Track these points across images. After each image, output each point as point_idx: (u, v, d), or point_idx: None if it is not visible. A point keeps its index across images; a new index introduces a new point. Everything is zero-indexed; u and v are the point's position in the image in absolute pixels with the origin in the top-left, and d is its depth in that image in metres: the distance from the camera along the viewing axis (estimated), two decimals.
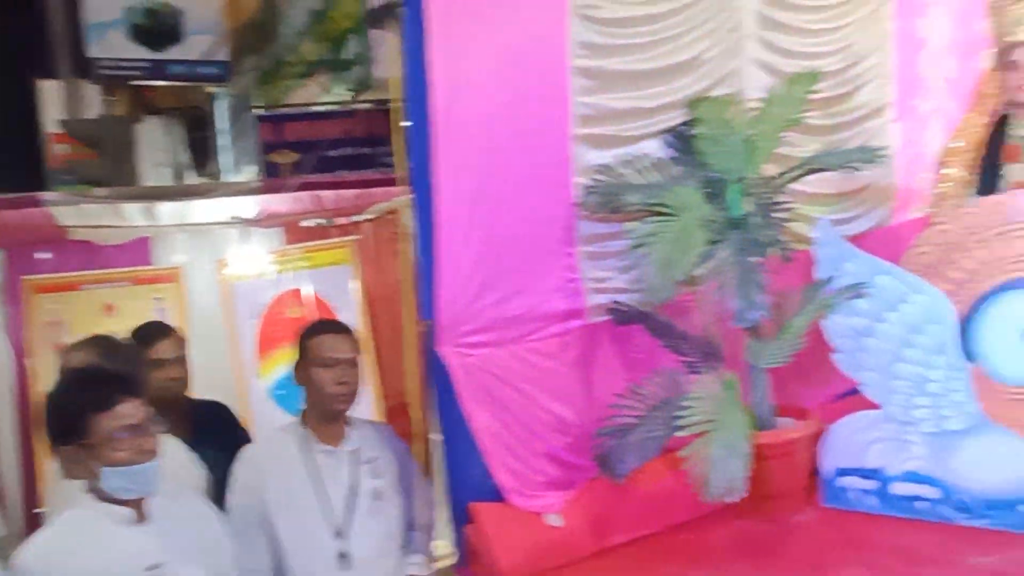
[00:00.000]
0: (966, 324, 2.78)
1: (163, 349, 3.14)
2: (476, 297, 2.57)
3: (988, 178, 3.07)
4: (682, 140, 3.01)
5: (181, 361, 3.20)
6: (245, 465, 2.45)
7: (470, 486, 2.66)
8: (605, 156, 2.87)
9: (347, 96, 6.85)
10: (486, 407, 2.59)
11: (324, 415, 2.46)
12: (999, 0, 3.04)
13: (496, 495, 2.65)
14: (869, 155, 2.96)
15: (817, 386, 3.32)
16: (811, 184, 3.23)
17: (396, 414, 4.17)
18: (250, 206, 4.76)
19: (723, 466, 2.51)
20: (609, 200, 2.83)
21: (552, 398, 2.80)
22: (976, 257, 2.78)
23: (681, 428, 2.60)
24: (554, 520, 2.65)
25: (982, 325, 2.77)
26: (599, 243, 2.90)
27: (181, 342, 3.25)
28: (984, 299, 2.76)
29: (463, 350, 2.57)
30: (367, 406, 4.40)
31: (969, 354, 2.76)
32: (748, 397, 2.94)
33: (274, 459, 2.44)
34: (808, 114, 3.12)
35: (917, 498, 2.85)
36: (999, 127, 3.09)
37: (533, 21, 2.64)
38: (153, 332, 3.23)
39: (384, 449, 2.54)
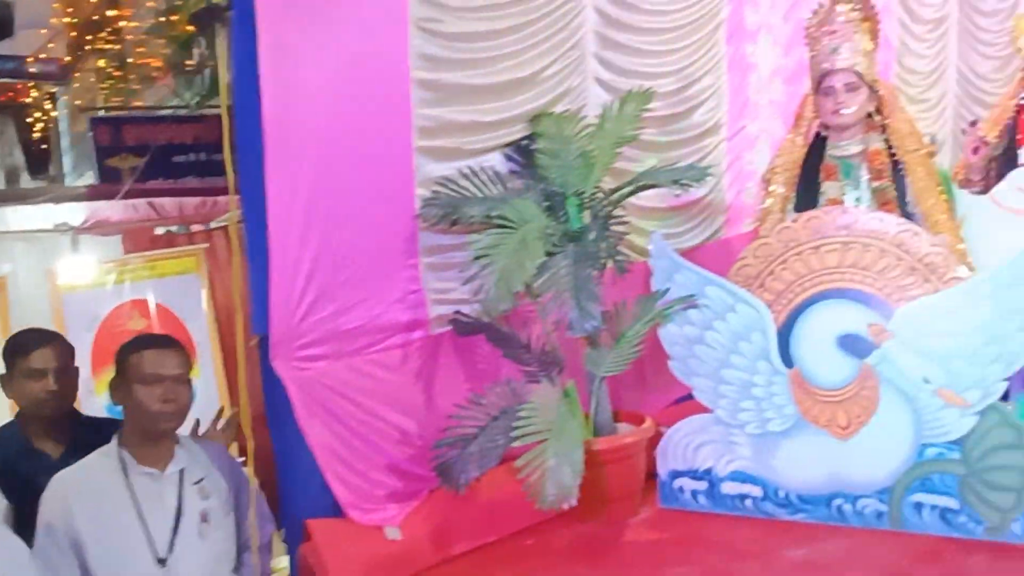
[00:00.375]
0: (785, 332, 2.94)
1: (41, 358, 2.81)
2: (311, 310, 2.53)
3: (808, 195, 3.26)
4: (523, 154, 3.07)
5: (64, 372, 2.82)
6: (51, 494, 2.29)
7: (308, 502, 2.62)
8: (446, 168, 2.89)
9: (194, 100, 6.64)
10: (322, 421, 2.56)
11: (147, 435, 2.35)
12: (815, 30, 3.25)
13: (335, 511, 2.62)
14: (699, 173, 3.10)
15: (657, 392, 3.45)
16: (647, 199, 3.36)
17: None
18: (81, 212, 4.53)
19: (556, 474, 2.56)
20: (450, 212, 2.85)
21: (393, 410, 2.79)
22: (794, 269, 2.95)
23: (519, 438, 2.64)
24: (393, 533, 2.64)
25: (799, 333, 2.94)
26: (441, 254, 2.92)
27: (66, 350, 2.88)
28: (801, 309, 2.94)
29: (298, 364, 2.53)
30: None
31: (788, 360, 2.93)
32: (588, 405, 3.02)
33: (86, 486, 2.30)
34: (645, 131, 3.25)
35: (744, 496, 3.00)
36: (818, 147, 3.29)
37: (372, 32, 2.63)
38: (30, 339, 2.87)
39: (214, 468, 2.46)
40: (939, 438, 2.75)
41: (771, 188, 3.35)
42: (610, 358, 2.99)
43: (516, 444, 2.65)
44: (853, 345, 2.85)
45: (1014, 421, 2.70)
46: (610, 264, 2.99)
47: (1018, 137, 3.80)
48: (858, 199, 3.24)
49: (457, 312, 2.95)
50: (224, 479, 2.46)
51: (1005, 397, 2.75)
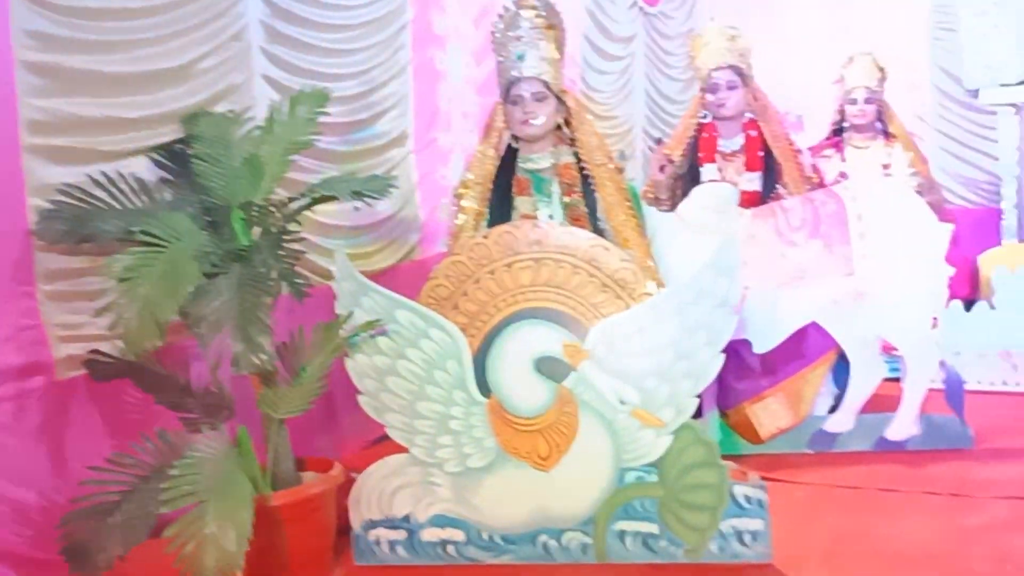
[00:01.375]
0: (481, 358, 2.71)
1: None
2: None
3: (502, 210, 3.09)
4: (175, 159, 2.60)
5: None
6: None
7: None
8: (72, 173, 2.35)
9: None
10: None
11: None
12: (502, 36, 3.08)
13: None
14: (382, 183, 2.80)
15: (349, 433, 3.09)
16: (330, 215, 3.00)
17: None
18: None
19: (217, 542, 2.12)
20: (78, 227, 2.32)
21: (5, 480, 2.20)
22: (487, 289, 2.73)
23: (168, 502, 2.16)
24: None
25: (495, 358, 2.72)
26: (67, 281, 2.38)
27: None
28: (496, 332, 2.72)
29: None
30: None
31: (485, 388, 2.69)
32: (265, 454, 2.59)
33: None
34: (324, 139, 2.90)
35: (446, 542, 2.72)
36: (509, 160, 3.13)
37: None
38: None
39: None
40: (637, 461, 2.66)
41: (463, 204, 3.12)
42: (289, 397, 2.59)
43: (165, 509, 2.17)
44: (550, 368, 2.68)
45: (705, 438, 2.66)
46: (286, 288, 2.59)
47: (700, 156, 3.88)
48: (551, 214, 3.10)
49: (94, 352, 2.41)
50: None
51: (698, 414, 2.69)
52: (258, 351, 2.37)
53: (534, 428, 2.69)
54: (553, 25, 3.10)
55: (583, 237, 2.71)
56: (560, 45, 3.13)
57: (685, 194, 3.76)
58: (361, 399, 2.76)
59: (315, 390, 2.63)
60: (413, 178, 3.54)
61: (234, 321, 2.38)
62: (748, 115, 3.88)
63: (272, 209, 2.66)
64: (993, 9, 5.50)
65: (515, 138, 3.14)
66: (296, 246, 2.67)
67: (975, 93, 5.64)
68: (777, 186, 3.75)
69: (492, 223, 3.06)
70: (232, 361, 2.36)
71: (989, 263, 4.75)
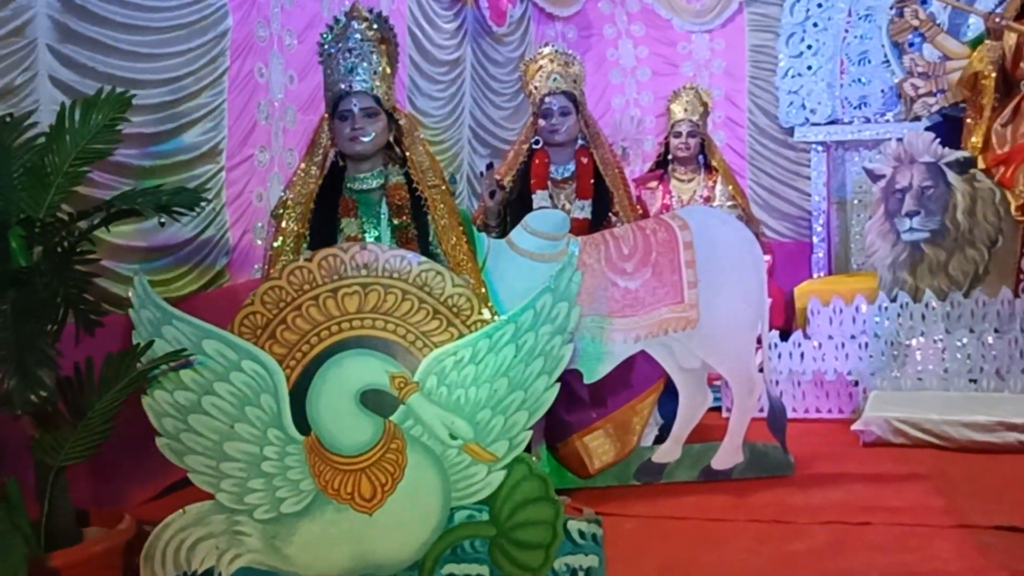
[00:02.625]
0: (301, 392, 2.49)
1: None
2: None
3: (325, 232, 2.88)
4: None
5: None
6: None
7: None
8: None
9: None
10: None
11: None
12: (331, 47, 2.90)
13: None
14: (190, 197, 2.53)
15: (142, 480, 2.77)
16: (127, 235, 2.70)
17: None
18: None
19: None
20: None
21: None
22: (310, 317, 2.52)
23: None
24: None
25: (317, 392, 2.50)
26: None
27: None
28: (318, 363, 2.51)
29: None
30: None
31: (304, 424, 2.47)
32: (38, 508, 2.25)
33: None
34: (123, 150, 2.60)
35: None
36: (334, 179, 2.93)
37: None
38: None
39: None
40: (468, 499, 2.50)
41: (283, 225, 2.89)
42: (71, 442, 2.28)
43: None
44: (376, 401, 2.49)
45: (539, 472, 2.55)
46: (72, 316, 2.28)
47: (532, 182, 3.82)
48: (378, 237, 2.92)
49: None
50: None
51: (527, 448, 2.58)
52: (36, 387, 2.06)
53: (357, 467, 2.48)
54: (386, 39, 2.94)
55: (414, 261, 2.55)
56: (392, 61, 2.98)
57: (516, 220, 3.68)
58: (159, 441, 2.47)
59: (103, 433, 2.33)
60: (224, 196, 3.26)
61: (9, 353, 2.06)
62: (580, 142, 3.86)
63: (58, 226, 2.34)
64: (807, 51, 5.80)
65: (341, 156, 2.95)
66: (86, 268, 2.36)
67: (790, 131, 5.93)
68: (610, 214, 3.74)
69: (314, 246, 2.85)
70: (3, 399, 2.04)
71: (804, 295, 4.95)
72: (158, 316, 2.47)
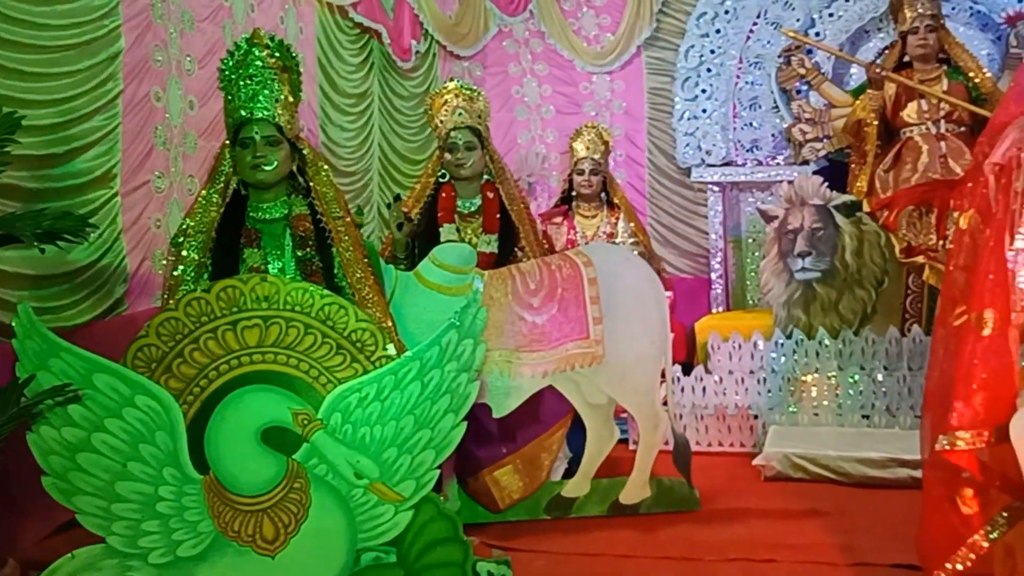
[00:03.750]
0: (198, 429, 2.38)
1: None
2: None
3: (227, 262, 2.78)
4: None
5: None
6: None
7: None
8: None
9: None
10: None
11: None
12: (232, 73, 2.81)
13: None
14: (76, 223, 2.40)
15: (29, 521, 2.59)
16: (11, 261, 2.54)
17: None
18: None
19: None
20: None
21: None
22: (208, 350, 2.42)
23: None
24: None
25: (216, 429, 2.40)
26: None
27: None
28: (216, 398, 2.41)
29: None
30: None
31: (203, 463, 2.36)
32: None
33: None
34: (10, 171, 2.45)
35: None
36: (237, 208, 2.84)
37: None
38: None
39: None
40: (375, 540, 2.45)
41: (183, 253, 2.77)
42: None
43: None
44: (278, 439, 2.41)
45: (448, 512, 2.50)
46: None
47: (439, 215, 3.79)
48: (282, 268, 2.83)
49: None
50: None
51: (437, 487, 2.53)
52: None
53: (259, 507, 2.40)
54: (288, 67, 2.88)
55: (317, 294, 2.48)
56: (295, 89, 2.91)
57: (423, 253, 3.64)
58: (45, 481, 2.33)
59: None
60: (120, 222, 3.11)
61: None
62: (486, 177, 3.86)
63: None
64: (701, 95, 5.98)
65: (244, 184, 2.86)
66: None
67: (687, 171, 6.08)
68: (516, 249, 3.74)
69: (216, 276, 2.75)
70: None
71: (704, 330, 5.05)
72: (44, 347, 2.34)
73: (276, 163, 2.80)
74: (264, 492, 2.40)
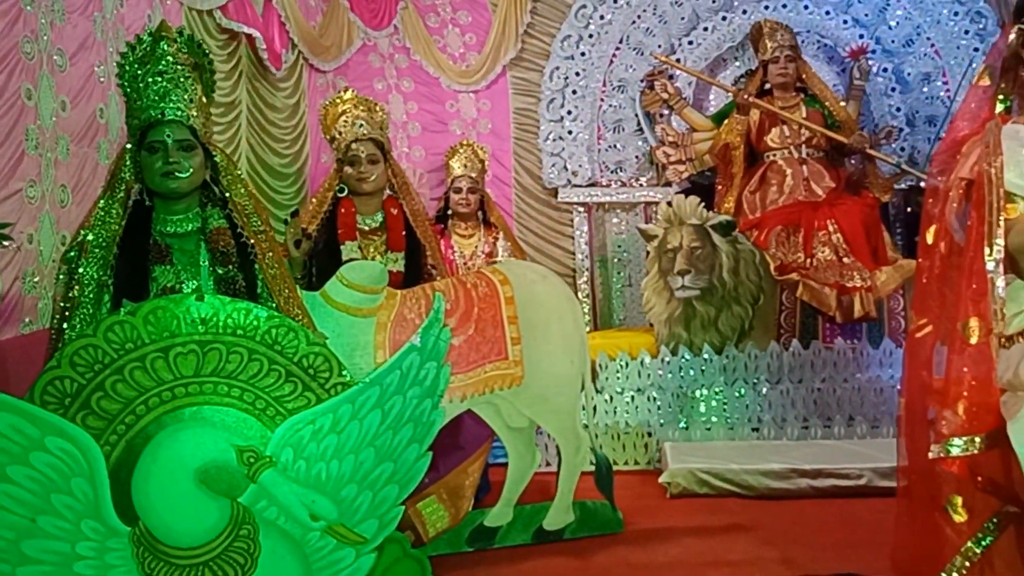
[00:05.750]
0: (124, 474, 2.06)
1: None
2: None
3: (133, 281, 2.43)
4: None
5: None
6: None
7: None
8: None
9: None
10: None
11: None
12: (138, 68, 2.48)
13: None
14: None
15: None
16: None
17: None
18: None
19: None
20: None
21: None
22: (134, 382, 2.10)
23: None
24: None
25: (145, 473, 2.08)
26: None
27: None
28: (143, 437, 2.09)
29: None
30: None
31: (130, 512, 2.04)
32: None
33: None
34: None
35: None
36: (142, 220, 2.50)
37: None
38: None
39: None
40: None
41: (81, 271, 2.40)
42: None
43: None
44: (219, 481, 2.13)
45: (415, 553, 2.29)
46: None
47: (339, 232, 3.54)
48: (198, 288, 2.52)
49: None
50: None
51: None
52: None
53: (199, 560, 2.11)
54: (200, 65, 2.58)
55: (263, 315, 2.21)
56: (208, 89, 2.62)
57: (322, 270, 3.41)
58: None
59: None
60: None
61: None
62: (388, 192, 3.66)
63: None
64: (567, 116, 6.02)
65: (149, 194, 2.53)
66: None
67: (553, 192, 6.09)
68: (430, 267, 3.56)
69: (118, 297, 2.40)
70: None
71: (592, 349, 5.01)
72: None
73: (191, 170, 2.49)
74: (205, 542, 2.10)
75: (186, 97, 2.52)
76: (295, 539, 2.15)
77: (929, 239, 2.22)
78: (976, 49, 5.74)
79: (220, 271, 2.53)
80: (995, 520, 2.04)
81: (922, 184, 5.68)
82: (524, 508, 3.38)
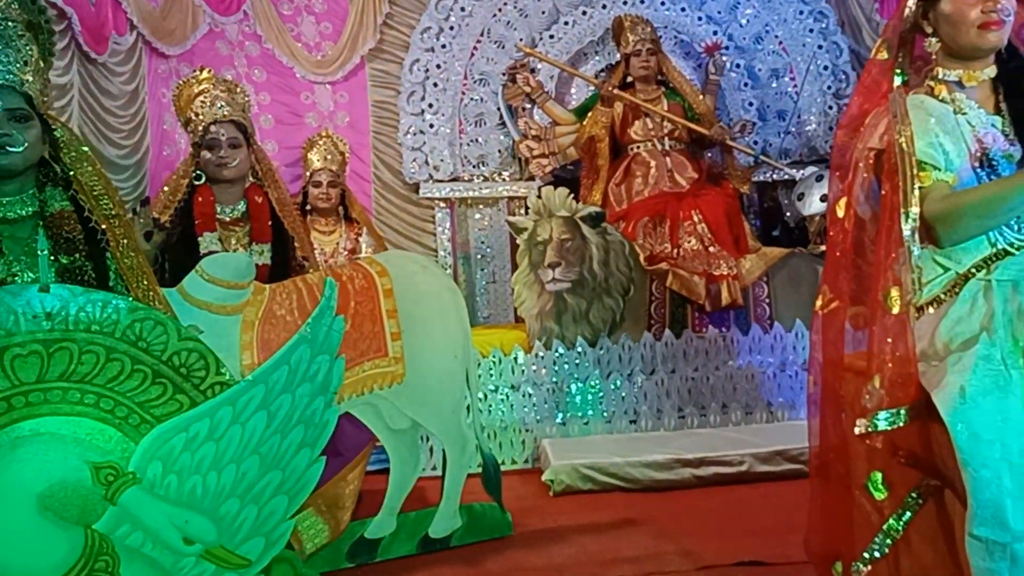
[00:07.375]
0: None
1: None
2: None
3: None
4: None
5: None
6: None
7: None
8: None
9: None
10: None
11: None
12: None
13: None
14: None
15: None
16: None
17: None
18: None
19: None
20: None
21: None
22: None
23: None
24: None
25: None
26: None
27: None
28: None
29: None
30: None
31: None
32: None
33: None
34: None
35: None
36: None
37: None
38: None
39: None
40: None
41: None
42: None
43: None
44: (67, 505, 1.83)
45: (306, 572, 2.04)
46: None
47: (197, 222, 3.21)
48: (36, 280, 2.17)
49: None
50: None
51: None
52: None
53: None
54: (36, 25, 2.24)
55: (123, 308, 1.90)
56: (46, 53, 2.28)
57: (177, 265, 3.08)
58: None
59: None
60: None
61: None
62: (251, 179, 3.36)
63: None
64: (428, 110, 5.82)
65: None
66: None
67: (415, 187, 5.88)
68: (301, 259, 3.28)
69: None
70: None
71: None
72: None
73: (25, 144, 2.14)
74: None
75: (19, 59, 2.18)
76: (165, 568, 1.86)
77: (839, 212, 2.17)
78: (820, 47, 5.96)
79: (65, 261, 2.19)
80: (915, 494, 2.01)
81: (774, 178, 5.90)
82: (408, 516, 3.16)
